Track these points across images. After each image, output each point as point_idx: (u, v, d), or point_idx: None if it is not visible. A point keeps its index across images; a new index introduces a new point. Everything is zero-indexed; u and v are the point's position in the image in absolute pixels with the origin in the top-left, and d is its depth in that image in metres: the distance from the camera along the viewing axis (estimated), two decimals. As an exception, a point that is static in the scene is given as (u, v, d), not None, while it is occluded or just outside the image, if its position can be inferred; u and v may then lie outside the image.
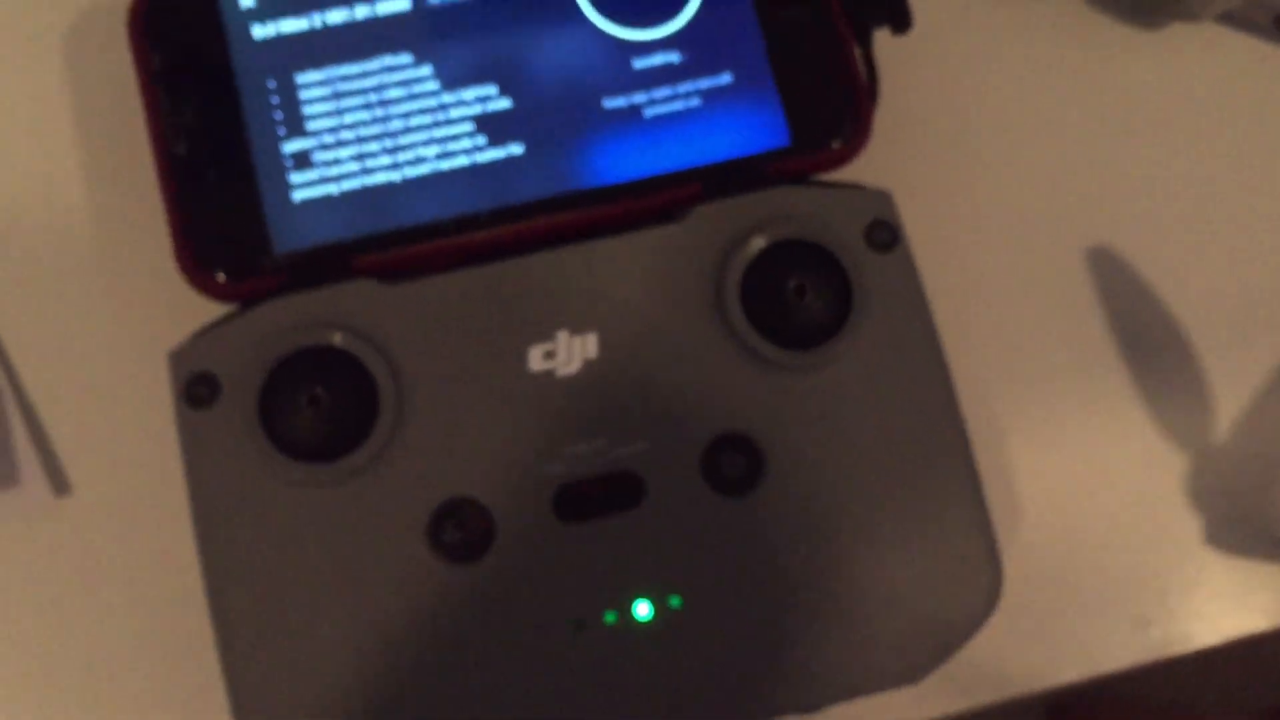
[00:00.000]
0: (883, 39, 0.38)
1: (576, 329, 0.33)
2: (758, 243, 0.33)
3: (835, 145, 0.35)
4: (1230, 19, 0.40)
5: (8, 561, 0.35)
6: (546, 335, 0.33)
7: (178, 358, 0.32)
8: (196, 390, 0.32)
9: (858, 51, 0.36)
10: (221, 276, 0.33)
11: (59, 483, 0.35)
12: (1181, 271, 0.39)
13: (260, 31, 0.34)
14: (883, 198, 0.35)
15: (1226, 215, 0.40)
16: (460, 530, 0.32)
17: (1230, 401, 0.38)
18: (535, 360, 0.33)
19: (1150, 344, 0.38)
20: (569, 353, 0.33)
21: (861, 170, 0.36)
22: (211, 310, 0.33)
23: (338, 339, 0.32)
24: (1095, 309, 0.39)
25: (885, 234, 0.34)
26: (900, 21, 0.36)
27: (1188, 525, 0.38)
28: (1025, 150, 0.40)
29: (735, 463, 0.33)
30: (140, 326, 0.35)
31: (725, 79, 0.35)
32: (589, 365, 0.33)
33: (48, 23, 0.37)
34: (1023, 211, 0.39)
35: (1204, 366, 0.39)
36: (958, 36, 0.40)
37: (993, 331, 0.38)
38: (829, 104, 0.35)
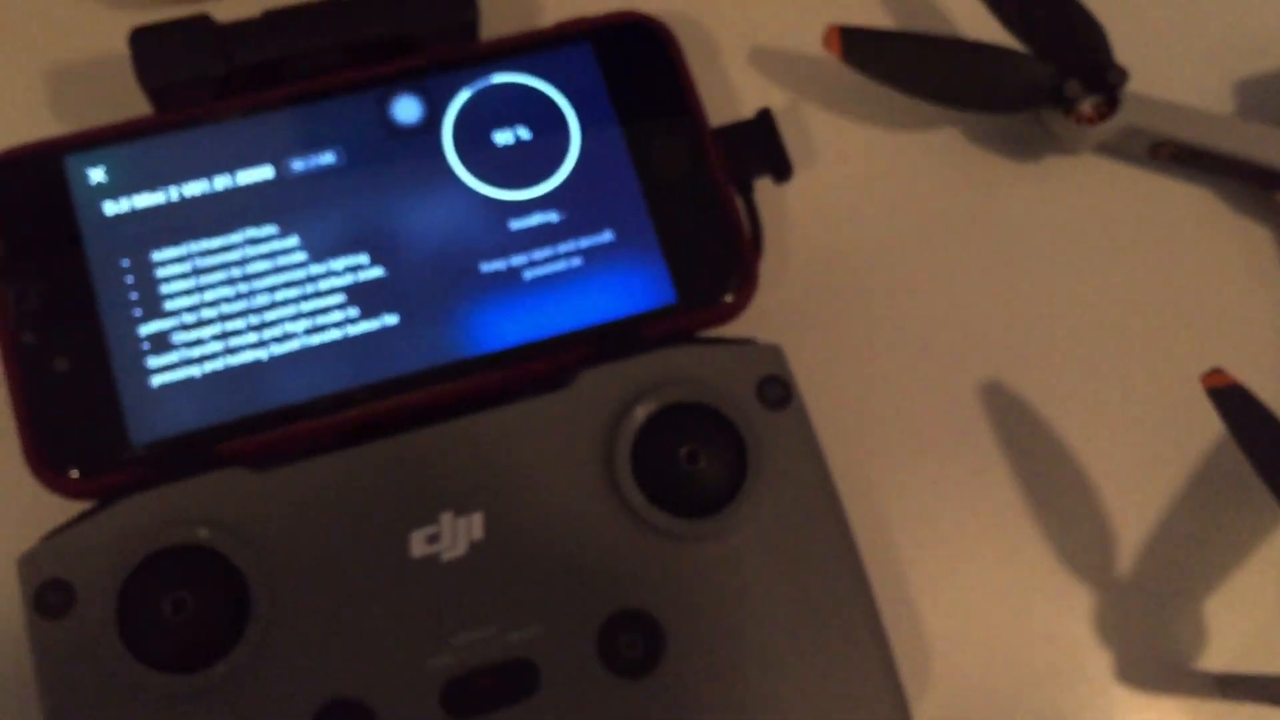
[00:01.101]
0: (762, 184, 0.37)
1: (461, 509, 0.31)
2: (646, 408, 0.32)
3: (723, 300, 0.34)
4: (1107, 149, 0.40)
5: None
6: (429, 518, 0.31)
7: (28, 563, 0.30)
8: (48, 598, 0.30)
9: (739, 201, 0.35)
10: (76, 473, 0.31)
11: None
12: (1074, 402, 0.39)
13: (113, 208, 0.32)
14: (773, 352, 0.34)
15: (1115, 342, 0.40)
16: (343, 736, 0.29)
17: (1131, 532, 0.38)
18: (417, 545, 0.31)
19: (1050, 480, 0.38)
20: (453, 535, 0.31)
21: (747, 321, 0.35)
22: (69, 508, 0.31)
23: (202, 535, 0.30)
24: (993, 446, 0.38)
25: (777, 390, 0.33)
26: (781, 171, 0.36)
27: (1099, 661, 0.37)
28: (911, 286, 0.39)
29: (633, 642, 0.31)
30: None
31: (606, 237, 0.34)
32: (475, 547, 0.31)
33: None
34: (912, 349, 0.39)
35: (1103, 499, 0.38)
36: (838, 176, 0.40)
37: (890, 475, 0.38)
38: (714, 258, 0.34)
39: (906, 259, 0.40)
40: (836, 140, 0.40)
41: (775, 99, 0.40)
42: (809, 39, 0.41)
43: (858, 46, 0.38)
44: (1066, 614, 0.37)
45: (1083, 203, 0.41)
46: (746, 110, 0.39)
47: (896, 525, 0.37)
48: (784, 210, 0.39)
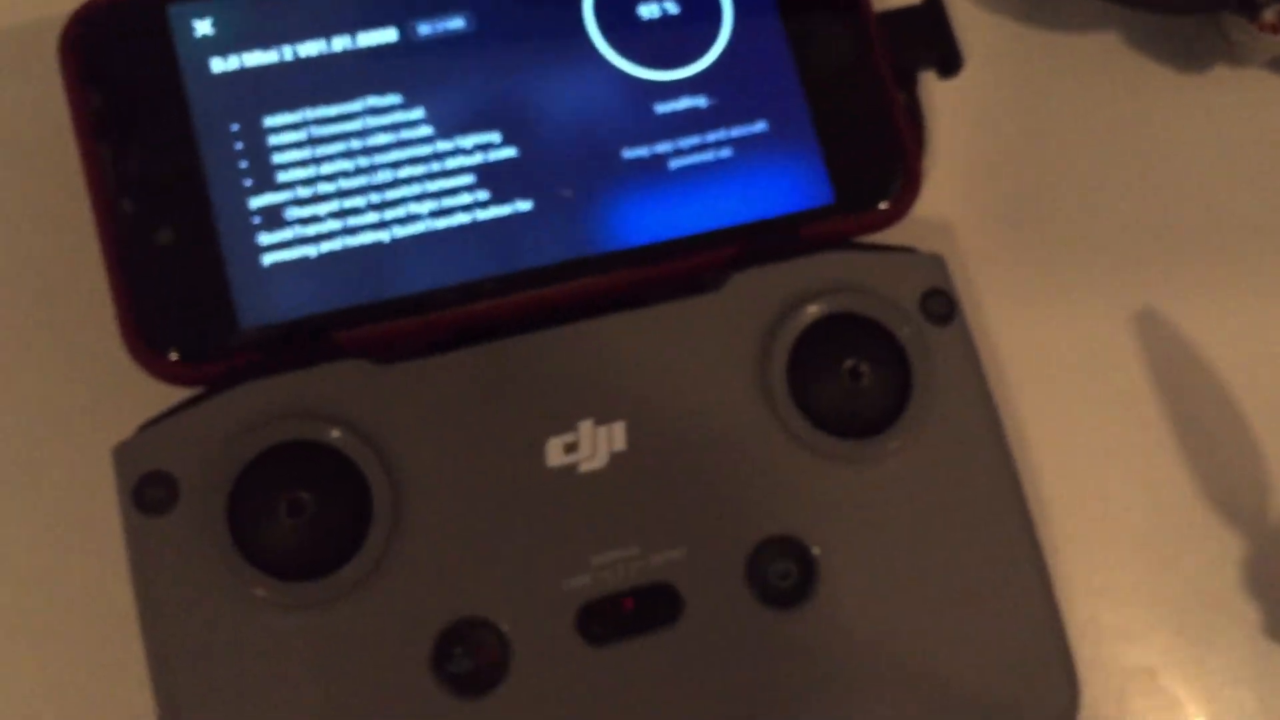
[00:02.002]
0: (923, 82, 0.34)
1: (601, 417, 0.28)
2: (806, 317, 0.29)
3: (883, 203, 0.31)
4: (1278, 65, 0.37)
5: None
6: (566, 425, 0.28)
7: (126, 454, 0.27)
8: (150, 493, 0.27)
9: (902, 97, 0.32)
10: (177, 356, 0.28)
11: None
12: (1232, 331, 0.36)
13: (220, 65, 0.29)
14: (937, 263, 0.31)
15: (1277, 270, 0.37)
16: (470, 658, 0.27)
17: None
18: (554, 454, 0.28)
19: (1204, 418, 0.35)
20: (593, 445, 0.28)
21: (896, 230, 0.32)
22: (165, 396, 0.28)
23: (324, 432, 0.27)
24: (1143, 379, 0.35)
25: (942, 304, 0.30)
26: (949, 63, 0.32)
27: (1248, 614, 0.35)
28: (1058, 200, 0.36)
29: (784, 570, 0.28)
30: (74, 413, 0.29)
31: (759, 127, 0.31)
32: (616, 459, 0.28)
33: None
34: (1057, 267, 0.36)
35: (1260, 439, 0.35)
36: (986, 76, 0.37)
37: (1032, 405, 0.35)
38: (875, 157, 0.31)
39: (1054, 170, 0.36)
40: (986, 36, 0.37)
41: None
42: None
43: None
44: (1216, 563, 0.35)
45: (1251, 119, 0.37)
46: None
47: (1038, 459, 0.34)
48: (927, 109, 0.36)
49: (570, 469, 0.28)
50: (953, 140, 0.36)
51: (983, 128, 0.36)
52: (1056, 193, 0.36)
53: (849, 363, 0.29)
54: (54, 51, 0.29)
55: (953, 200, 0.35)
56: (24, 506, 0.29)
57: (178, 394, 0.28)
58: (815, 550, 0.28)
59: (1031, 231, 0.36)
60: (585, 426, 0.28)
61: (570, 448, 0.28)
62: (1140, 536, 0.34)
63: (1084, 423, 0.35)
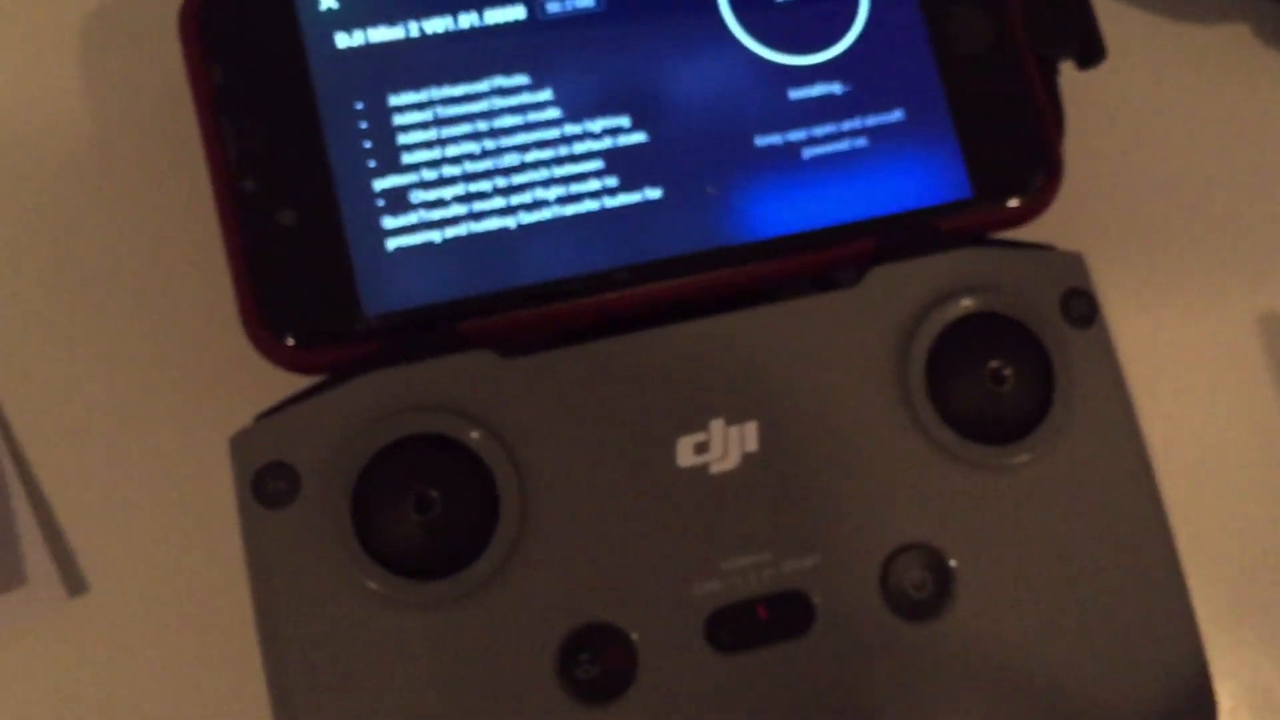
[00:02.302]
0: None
1: (733, 416, 0.27)
2: (947, 315, 0.28)
3: (1023, 198, 0.30)
4: None
5: (11, 675, 0.28)
6: (698, 424, 0.27)
7: (244, 444, 0.26)
8: (269, 485, 0.26)
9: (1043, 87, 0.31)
10: (298, 342, 0.27)
11: (74, 582, 0.29)
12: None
13: (345, 40, 0.28)
14: (1076, 261, 0.29)
15: None
16: (596, 663, 0.26)
17: None
18: (685, 454, 0.27)
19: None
20: (725, 445, 0.27)
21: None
22: (283, 384, 0.27)
23: (452, 427, 0.26)
24: (1273, 388, 0.34)
25: (1083, 305, 0.29)
26: (1090, 52, 0.31)
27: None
28: (1187, 198, 0.35)
29: (920, 581, 0.27)
30: (191, 399, 0.29)
31: (895, 115, 0.30)
32: (748, 460, 0.27)
33: (69, 10, 0.30)
34: (1186, 266, 0.34)
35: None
36: (1114, 66, 0.35)
37: (1155, 407, 0.33)
38: (1015, 149, 0.30)
39: (1177, 165, 0.35)
40: (1114, 27, 0.35)
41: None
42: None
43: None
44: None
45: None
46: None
47: (1175, 471, 0.33)
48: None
49: (701, 470, 0.27)
50: (1071, 132, 0.34)
51: (1104, 119, 0.35)
52: (1179, 189, 0.35)
53: (992, 364, 0.28)
54: (173, 23, 0.28)
55: (1071, 195, 0.34)
56: (140, 495, 0.29)
57: (295, 382, 0.27)
58: (952, 562, 0.27)
59: (1153, 229, 0.34)
60: (717, 426, 0.27)
61: (701, 448, 0.27)
62: (1267, 551, 0.33)
63: (1206, 428, 0.34)
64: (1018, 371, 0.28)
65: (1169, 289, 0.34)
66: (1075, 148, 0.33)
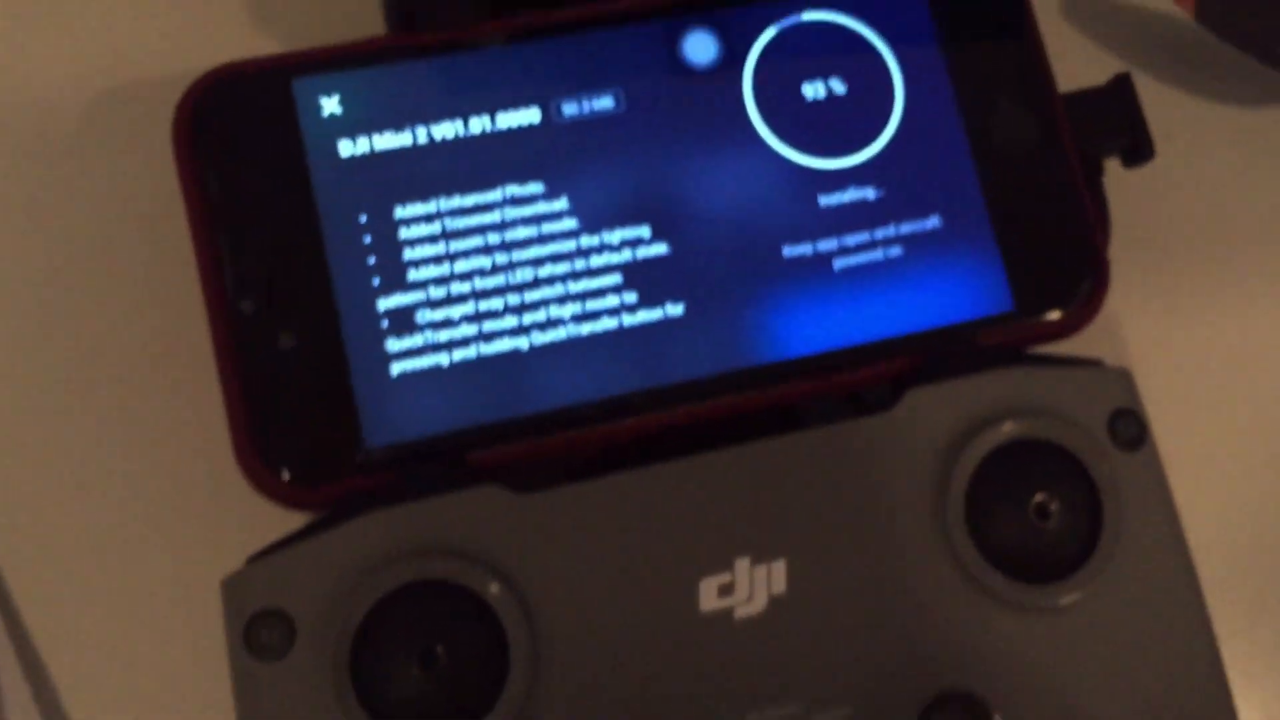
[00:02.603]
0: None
1: (760, 555, 0.25)
2: (988, 442, 0.26)
3: (1068, 310, 0.28)
4: None
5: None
6: (722, 564, 0.25)
7: (236, 589, 0.24)
8: (263, 634, 0.24)
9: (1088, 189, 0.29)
10: (295, 476, 0.25)
11: None
12: None
13: (349, 148, 0.26)
14: (1124, 379, 0.28)
15: None
16: (613, 825, 0.24)
17: None
18: (708, 597, 0.25)
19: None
20: (750, 587, 0.25)
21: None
22: (280, 519, 0.25)
23: (460, 573, 0.24)
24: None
25: (1132, 426, 0.27)
26: (1138, 151, 0.29)
27: None
28: (1244, 303, 0.33)
29: (960, 730, 0.25)
30: (182, 534, 0.27)
31: (932, 222, 0.28)
32: (776, 603, 0.25)
33: (60, 106, 0.29)
34: (1239, 375, 0.32)
35: None
36: (1164, 159, 0.33)
37: (1220, 539, 0.32)
38: (1059, 257, 0.28)
39: (1242, 268, 0.33)
40: (1163, 115, 0.33)
41: (1091, 60, 0.33)
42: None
43: (1218, 1, 0.31)
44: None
45: None
46: (1063, 75, 0.32)
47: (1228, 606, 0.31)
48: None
49: (725, 614, 0.25)
50: (1118, 227, 0.33)
51: (1156, 212, 0.33)
52: (1236, 288, 0.33)
53: (1037, 497, 0.26)
54: (165, 124, 0.26)
55: (1120, 296, 0.32)
56: (128, 635, 0.27)
57: (293, 517, 0.25)
58: (994, 707, 0.25)
59: (1209, 326, 0.32)
60: (742, 565, 0.25)
61: (725, 589, 0.25)
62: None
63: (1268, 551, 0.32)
64: (1064, 505, 0.26)
65: (1217, 399, 0.32)
66: (1117, 235, 0.31)
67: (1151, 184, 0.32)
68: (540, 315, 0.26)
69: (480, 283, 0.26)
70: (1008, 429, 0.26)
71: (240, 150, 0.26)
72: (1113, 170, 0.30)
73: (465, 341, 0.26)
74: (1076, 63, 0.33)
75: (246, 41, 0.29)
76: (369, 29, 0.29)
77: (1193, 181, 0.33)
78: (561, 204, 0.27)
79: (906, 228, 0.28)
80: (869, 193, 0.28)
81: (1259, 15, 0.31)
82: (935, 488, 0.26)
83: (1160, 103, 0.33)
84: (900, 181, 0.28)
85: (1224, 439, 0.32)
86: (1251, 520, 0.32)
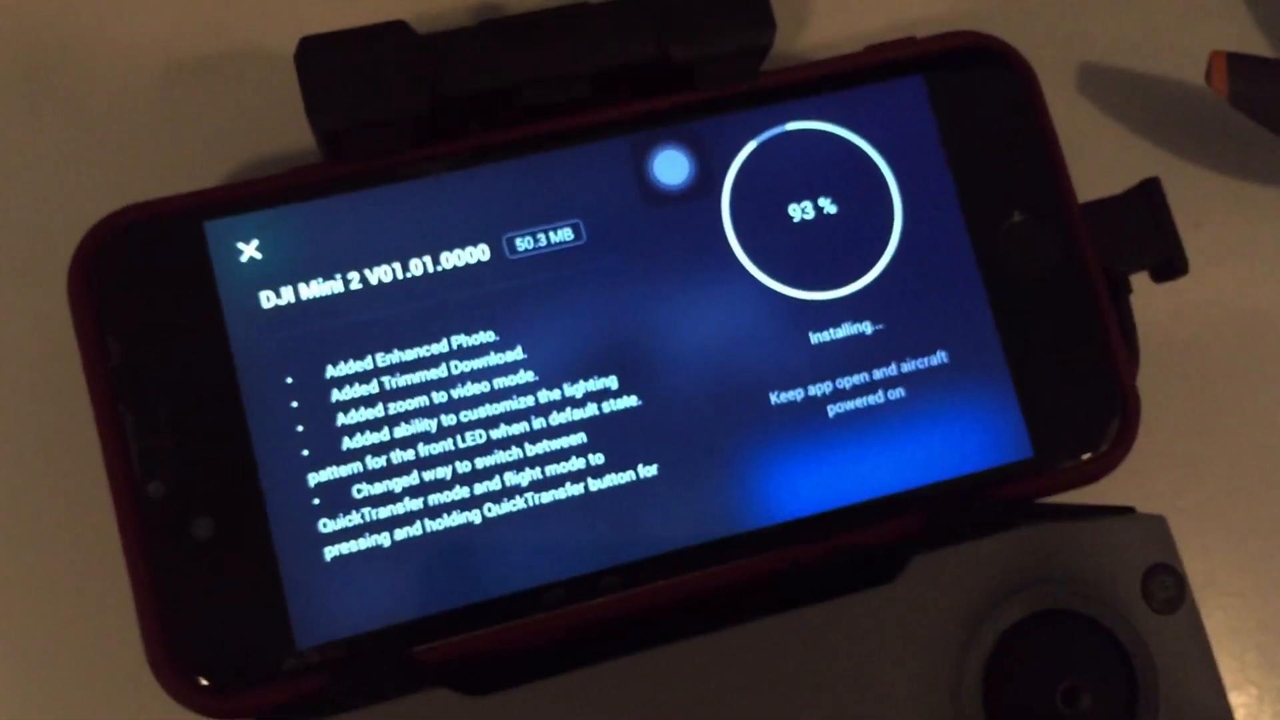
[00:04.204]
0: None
1: (749, 757, 0.22)
2: (1007, 618, 0.23)
3: (1094, 454, 0.25)
4: None
5: None
6: (706, 769, 0.22)
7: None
8: None
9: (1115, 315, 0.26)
10: (216, 684, 0.22)
11: None
12: None
13: (271, 300, 0.23)
14: (1160, 529, 0.24)
15: None
16: None
17: None
18: (690, 809, 0.22)
19: None
20: (739, 794, 0.22)
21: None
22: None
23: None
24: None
25: (1169, 584, 0.24)
26: (1170, 266, 0.26)
27: None
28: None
29: None
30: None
31: (938, 358, 0.25)
32: (771, 813, 0.22)
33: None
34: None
35: None
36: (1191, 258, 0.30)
37: (1257, 677, 0.28)
38: (1083, 396, 0.25)
39: (1271, 369, 0.30)
40: (1189, 203, 0.30)
41: (1115, 145, 0.30)
42: (1154, 63, 0.30)
43: (1252, 80, 0.28)
44: None
45: None
46: (1083, 166, 0.29)
47: None
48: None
49: (714, 827, 0.22)
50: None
51: (1186, 321, 0.30)
52: (1260, 400, 0.30)
53: (1065, 682, 0.23)
54: (61, 275, 0.23)
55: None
56: None
57: (218, 723, 0.22)
58: None
59: (1242, 460, 0.29)
60: (729, 769, 0.22)
61: (711, 799, 0.22)
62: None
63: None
64: (1094, 687, 0.23)
65: (1263, 530, 0.29)
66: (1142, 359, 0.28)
67: (1182, 285, 0.29)
68: (494, 484, 0.23)
69: (425, 449, 0.23)
70: (1028, 600, 0.23)
71: (146, 304, 0.23)
72: (1140, 283, 0.27)
73: (409, 518, 0.23)
74: (1097, 150, 0.29)
75: (158, 175, 0.26)
76: (308, 152, 0.26)
77: (1228, 277, 0.30)
78: (516, 354, 0.24)
79: (909, 366, 0.25)
80: (866, 327, 0.25)
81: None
82: (948, 671, 0.23)
83: (1192, 190, 0.30)
84: (901, 313, 0.25)
85: (1263, 584, 0.28)
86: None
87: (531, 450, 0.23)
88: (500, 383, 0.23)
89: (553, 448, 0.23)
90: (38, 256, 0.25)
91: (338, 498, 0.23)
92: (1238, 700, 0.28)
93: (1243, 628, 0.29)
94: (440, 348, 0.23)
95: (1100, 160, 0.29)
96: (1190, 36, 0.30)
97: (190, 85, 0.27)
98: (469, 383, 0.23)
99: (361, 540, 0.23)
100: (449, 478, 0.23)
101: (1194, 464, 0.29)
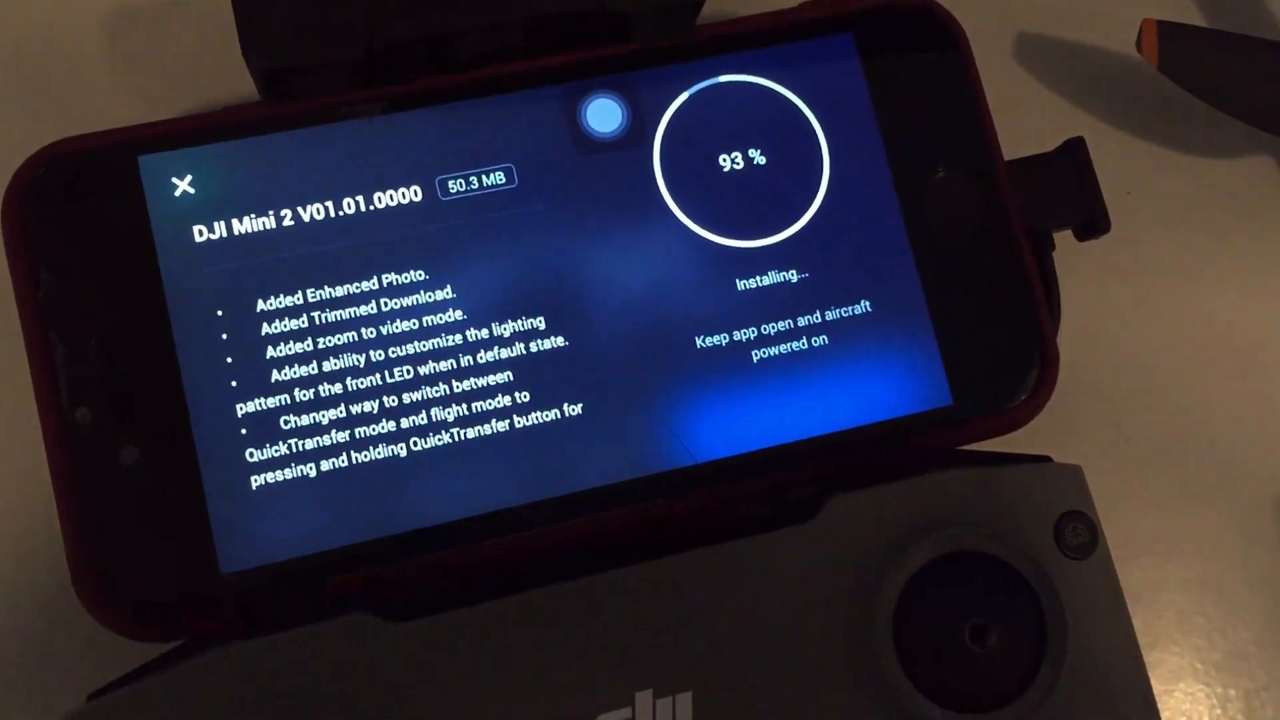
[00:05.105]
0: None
1: (664, 687, 0.23)
2: (919, 558, 0.24)
3: (1012, 404, 0.25)
4: None
5: None
6: (621, 698, 0.23)
7: (75, 731, 0.21)
8: (98, 788, 0.21)
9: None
10: (141, 608, 0.22)
11: None
12: None
13: (204, 234, 0.23)
14: (1073, 476, 0.25)
15: None
16: None
17: None
18: (605, 737, 0.22)
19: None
20: (653, 724, 0.22)
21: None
22: (135, 651, 0.23)
23: (320, 713, 0.21)
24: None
25: (1082, 531, 0.25)
26: (1093, 223, 0.27)
27: None
28: (1200, 376, 0.30)
29: None
30: (21, 667, 0.24)
31: (862, 308, 0.25)
32: (681, 742, 0.23)
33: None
34: (1195, 457, 0.30)
35: None
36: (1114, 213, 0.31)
37: (1177, 635, 0.29)
38: (1003, 347, 0.25)
39: (1198, 335, 0.30)
40: (1119, 168, 0.31)
41: (1047, 111, 0.31)
42: (1087, 32, 0.31)
43: (1181, 48, 0.28)
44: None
45: None
46: (1015, 129, 0.30)
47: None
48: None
49: (624, 756, 0.22)
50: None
51: (1103, 276, 0.30)
52: (1190, 359, 0.30)
53: (971, 620, 0.24)
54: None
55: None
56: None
57: (146, 648, 0.23)
58: None
59: (1163, 417, 0.30)
60: (643, 699, 0.23)
61: (625, 728, 0.22)
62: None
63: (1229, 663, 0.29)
64: (1003, 627, 0.24)
65: (1172, 481, 0.29)
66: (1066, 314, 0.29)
67: (1109, 247, 0.29)
68: (420, 418, 0.24)
69: (353, 383, 0.23)
70: (939, 541, 0.24)
71: (79, 237, 0.23)
72: (1064, 241, 0.27)
73: (335, 450, 0.23)
74: (1029, 116, 0.30)
75: (97, 111, 0.26)
76: (245, 94, 0.26)
77: (1155, 242, 0.30)
78: (445, 293, 0.24)
79: (833, 314, 0.25)
80: (791, 275, 0.25)
81: (1222, 64, 0.29)
82: (861, 608, 0.24)
83: (1122, 156, 0.30)
84: (826, 263, 0.25)
85: (1186, 529, 0.29)
86: (1217, 614, 0.29)
87: (459, 387, 0.24)
88: (429, 320, 0.24)
89: (479, 385, 0.24)
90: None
91: (265, 428, 0.23)
92: (1155, 659, 0.29)
93: (1161, 587, 0.29)
94: (370, 285, 0.24)
95: (1033, 126, 0.30)
96: (1121, 7, 0.31)
97: (134, 30, 0.27)
98: (398, 320, 0.24)
99: (288, 470, 0.23)
100: (376, 411, 0.23)
101: (1118, 426, 0.30)
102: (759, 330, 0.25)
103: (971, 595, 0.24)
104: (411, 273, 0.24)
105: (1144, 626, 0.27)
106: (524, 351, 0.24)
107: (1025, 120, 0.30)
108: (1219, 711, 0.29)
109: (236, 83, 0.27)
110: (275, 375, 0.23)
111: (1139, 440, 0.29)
